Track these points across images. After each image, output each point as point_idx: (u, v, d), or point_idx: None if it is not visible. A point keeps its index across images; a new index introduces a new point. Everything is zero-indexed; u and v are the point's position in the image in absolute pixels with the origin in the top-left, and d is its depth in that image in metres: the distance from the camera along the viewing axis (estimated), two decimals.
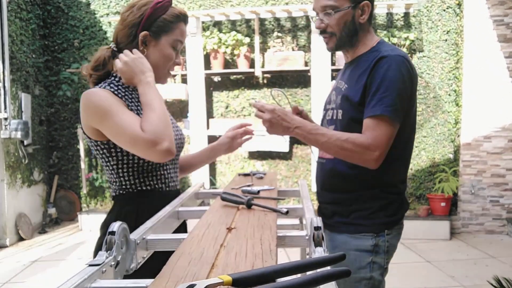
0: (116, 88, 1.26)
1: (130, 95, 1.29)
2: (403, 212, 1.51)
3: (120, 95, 1.25)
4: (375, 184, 1.43)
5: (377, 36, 1.51)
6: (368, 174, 1.40)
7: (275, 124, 1.38)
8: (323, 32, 1.47)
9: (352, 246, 1.44)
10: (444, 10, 4.70)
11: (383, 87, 1.33)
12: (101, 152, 1.28)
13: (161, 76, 1.34)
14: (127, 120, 1.17)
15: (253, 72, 4.85)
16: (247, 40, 4.83)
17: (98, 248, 1.29)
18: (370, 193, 1.44)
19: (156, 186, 1.33)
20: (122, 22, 1.30)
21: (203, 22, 4.94)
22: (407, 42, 4.61)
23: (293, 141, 4.94)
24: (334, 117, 1.48)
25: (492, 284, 2.23)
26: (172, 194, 1.37)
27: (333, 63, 4.73)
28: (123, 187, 1.31)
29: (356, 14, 1.42)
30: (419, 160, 4.83)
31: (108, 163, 1.30)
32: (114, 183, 1.32)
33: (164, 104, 1.25)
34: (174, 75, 5.02)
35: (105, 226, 1.27)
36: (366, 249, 1.43)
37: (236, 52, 4.85)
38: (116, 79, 1.31)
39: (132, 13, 1.28)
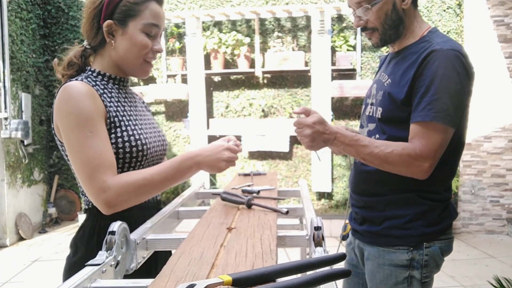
0: (94, 83, 1.12)
1: (110, 92, 1.16)
2: (449, 222, 1.31)
3: (99, 92, 1.11)
4: (410, 187, 1.27)
5: (426, 24, 1.34)
6: (401, 175, 1.24)
7: (316, 139, 1.23)
8: (364, 29, 1.33)
9: (385, 261, 1.30)
10: (444, 11, 4.70)
11: (433, 88, 1.17)
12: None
13: (137, 67, 1.17)
14: (93, 150, 1.03)
15: (253, 72, 4.85)
16: (247, 40, 4.83)
17: (69, 270, 1.12)
18: (404, 198, 1.28)
19: None
20: (85, 15, 1.15)
21: (203, 22, 4.94)
22: None
23: (293, 141, 4.94)
24: (374, 115, 1.34)
25: (492, 284, 2.24)
26: (150, 206, 1.23)
27: (333, 63, 4.73)
28: None
29: (397, 0, 1.27)
30: None
31: None
32: (86, 195, 1.13)
33: (166, 184, 1.10)
34: (174, 75, 5.02)
35: (74, 244, 1.16)
36: (401, 264, 1.28)
37: (236, 52, 4.85)
38: (94, 74, 1.17)
39: (91, 2, 1.13)
